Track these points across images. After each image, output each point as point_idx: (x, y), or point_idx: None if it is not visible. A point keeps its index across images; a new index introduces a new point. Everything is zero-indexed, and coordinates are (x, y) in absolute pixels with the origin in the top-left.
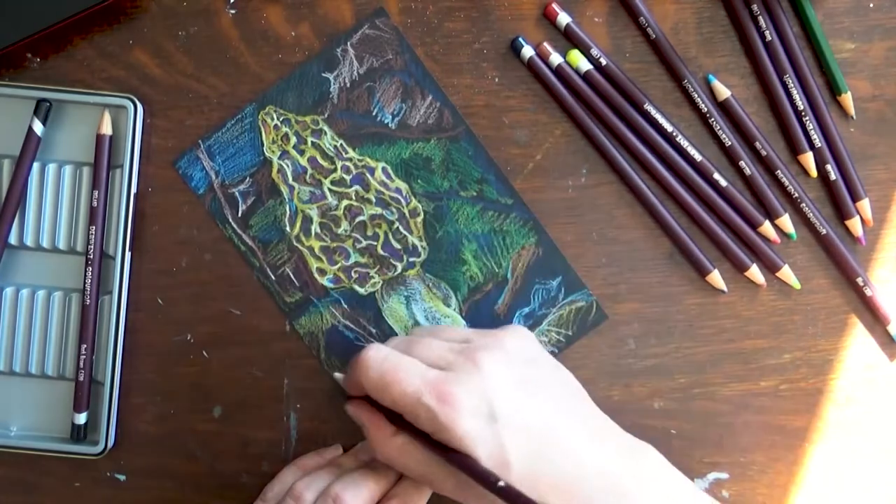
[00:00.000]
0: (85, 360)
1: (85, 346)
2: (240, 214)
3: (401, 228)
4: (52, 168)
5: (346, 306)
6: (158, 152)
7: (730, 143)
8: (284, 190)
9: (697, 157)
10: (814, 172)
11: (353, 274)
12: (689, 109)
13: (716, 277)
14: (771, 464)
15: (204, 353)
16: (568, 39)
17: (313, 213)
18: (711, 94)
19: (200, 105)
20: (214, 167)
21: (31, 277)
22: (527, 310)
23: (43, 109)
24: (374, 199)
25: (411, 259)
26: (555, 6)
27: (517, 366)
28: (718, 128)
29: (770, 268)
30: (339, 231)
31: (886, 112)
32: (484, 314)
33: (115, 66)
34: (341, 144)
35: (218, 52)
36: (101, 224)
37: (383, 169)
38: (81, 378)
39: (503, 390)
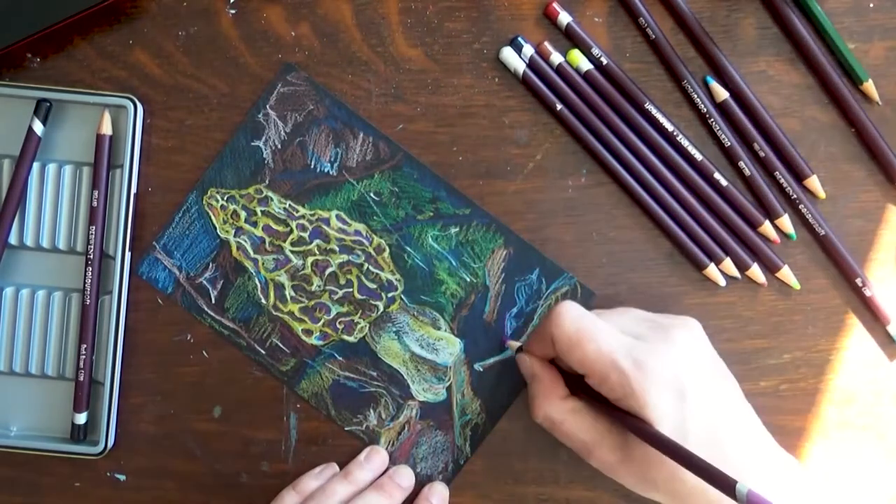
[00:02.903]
0: (85, 360)
1: (85, 346)
2: (213, 301)
3: (371, 268)
4: (52, 168)
5: (340, 358)
6: (158, 152)
7: (729, 144)
8: (249, 265)
9: (698, 156)
10: (821, 194)
11: (338, 325)
12: (688, 109)
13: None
14: None
15: (204, 353)
16: (569, 39)
17: (283, 278)
18: (710, 94)
19: (200, 105)
20: (175, 263)
21: (31, 277)
22: (515, 310)
23: (43, 109)
24: (337, 248)
25: (390, 294)
26: (555, 6)
27: (703, 351)
28: (718, 128)
29: (770, 268)
30: (313, 288)
31: (886, 112)
32: (475, 326)
33: (115, 66)
34: (290, 205)
35: (218, 52)
36: (101, 224)
37: (337, 216)
38: (81, 378)
39: (695, 370)
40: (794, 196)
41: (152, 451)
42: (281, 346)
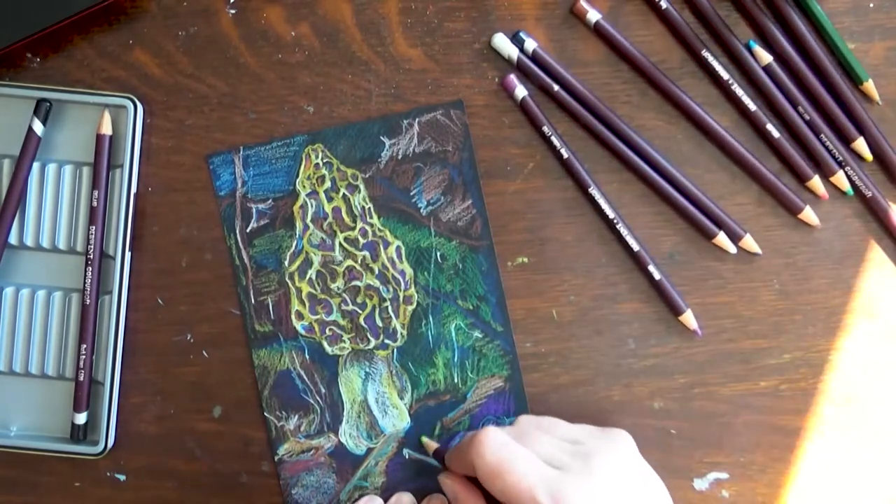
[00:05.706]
0: (85, 360)
1: (85, 346)
2: (248, 230)
3: (389, 309)
4: (52, 168)
5: (307, 357)
6: (158, 152)
7: (776, 101)
8: (299, 226)
9: (752, 107)
10: (868, 156)
11: (327, 330)
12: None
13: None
14: (771, 464)
15: (204, 353)
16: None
17: (316, 258)
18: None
19: (200, 105)
20: (244, 176)
21: (31, 277)
22: (470, 432)
23: (43, 109)
24: (376, 272)
25: (387, 341)
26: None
27: (628, 477)
28: (765, 89)
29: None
30: (332, 286)
31: (886, 112)
32: (430, 420)
33: (115, 66)
34: (370, 208)
35: (218, 52)
36: (101, 224)
37: (397, 248)
38: (81, 378)
39: (615, 501)
40: (841, 158)
41: (152, 451)
42: (270, 309)
